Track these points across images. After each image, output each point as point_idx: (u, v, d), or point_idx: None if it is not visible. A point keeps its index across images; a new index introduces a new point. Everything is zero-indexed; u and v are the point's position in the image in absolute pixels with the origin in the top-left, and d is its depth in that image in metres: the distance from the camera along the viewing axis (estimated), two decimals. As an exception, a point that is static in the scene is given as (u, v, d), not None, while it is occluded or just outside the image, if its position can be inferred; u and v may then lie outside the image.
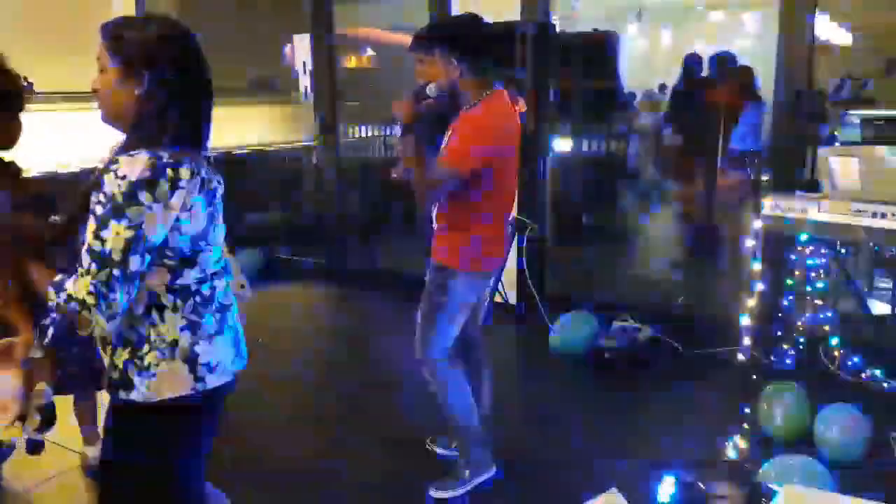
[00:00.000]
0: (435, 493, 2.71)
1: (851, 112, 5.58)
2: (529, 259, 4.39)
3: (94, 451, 2.81)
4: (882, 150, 2.80)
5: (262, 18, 6.16)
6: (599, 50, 6.71)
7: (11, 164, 2.29)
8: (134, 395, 1.51)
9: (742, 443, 2.85)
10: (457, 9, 4.54)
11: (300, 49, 5.40)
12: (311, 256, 5.84)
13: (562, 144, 5.94)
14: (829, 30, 8.31)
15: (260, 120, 6.50)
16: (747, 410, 3.00)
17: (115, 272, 1.39)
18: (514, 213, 4.21)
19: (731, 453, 2.85)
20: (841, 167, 2.92)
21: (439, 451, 3.02)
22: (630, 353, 3.85)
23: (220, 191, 1.58)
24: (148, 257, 1.44)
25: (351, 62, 8.38)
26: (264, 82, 7.05)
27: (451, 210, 2.54)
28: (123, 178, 1.38)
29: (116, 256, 1.39)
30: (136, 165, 1.40)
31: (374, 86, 8.13)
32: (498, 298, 4.18)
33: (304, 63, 5.38)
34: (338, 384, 3.86)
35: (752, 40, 9.77)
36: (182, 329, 1.52)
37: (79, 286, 1.40)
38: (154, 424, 1.55)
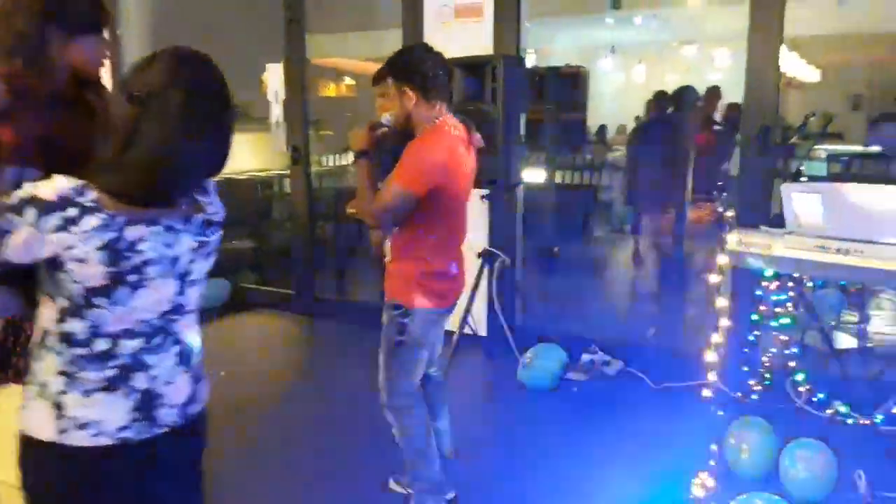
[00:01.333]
0: None
1: (818, 147, 5.69)
2: (499, 291, 4.37)
3: None
4: (845, 187, 2.83)
5: (235, 47, 6.17)
6: (571, 84, 6.82)
7: None
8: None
9: (709, 480, 2.82)
10: (429, 42, 4.56)
11: (273, 78, 5.40)
12: (279, 286, 5.77)
13: (533, 175, 5.98)
14: (796, 67, 8.50)
15: (232, 147, 6.48)
16: (713, 447, 2.98)
17: None
18: (485, 244, 4.21)
19: (697, 492, 2.82)
20: (804, 203, 2.95)
21: (397, 489, 2.95)
22: (598, 386, 3.83)
23: (185, 251, 1.45)
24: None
25: (329, 90, 8.41)
26: (241, 110, 7.05)
27: (403, 243, 2.53)
28: (30, 190, 1.31)
29: None
30: (48, 186, 1.32)
31: (350, 115, 8.17)
32: (467, 330, 4.15)
33: (275, 92, 5.37)
34: (298, 416, 3.78)
35: (723, 74, 10.00)
36: (58, 373, 1.41)
37: None
38: (23, 457, 1.45)
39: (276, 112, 5.41)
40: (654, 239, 6.14)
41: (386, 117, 2.46)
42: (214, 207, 1.55)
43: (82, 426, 1.40)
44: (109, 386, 1.42)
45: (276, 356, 4.92)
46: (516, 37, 4.38)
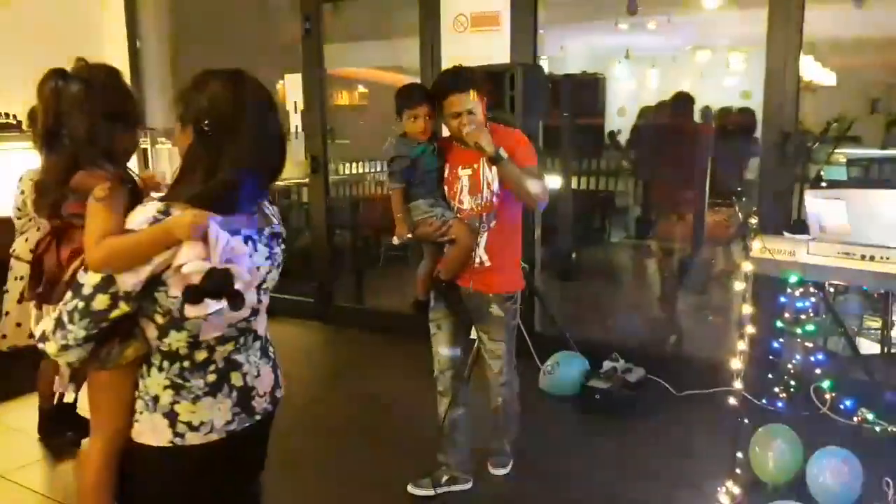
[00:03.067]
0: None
1: (837, 152, 5.65)
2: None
3: None
4: (869, 193, 2.82)
5: (251, 57, 6.22)
6: (588, 90, 6.81)
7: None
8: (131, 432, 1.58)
9: (734, 488, 2.80)
10: (446, 51, 4.60)
11: (291, 88, 5.44)
12: (298, 294, 5.79)
13: (551, 182, 5.96)
14: (812, 70, 8.45)
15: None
16: (739, 455, 2.96)
17: (80, 304, 1.44)
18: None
19: (723, 499, 2.80)
20: (829, 209, 2.93)
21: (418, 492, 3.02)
22: (620, 395, 3.81)
23: (263, 262, 1.61)
24: (128, 305, 1.45)
25: (343, 98, 8.44)
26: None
27: (505, 238, 2.85)
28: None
29: (86, 290, 1.44)
30: (139, 214, 1.46)
31: (363, 123, 8.19)
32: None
33: (294, 102, 5.42)
34: (320, 424, 3.79)
35: (737, 78, 9.95)
36: (165, 387, 1.54)
37: (53, 312, 1.47)
38: (135, 464, 1.60)
39: (295, 122, 5.44)
40: (671, 244, 6.10)
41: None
42: (278, 220, 1.71)
43: (195, 428, 1.55)
44: (212, 390, 1.57)
45: (295, 364, 4.93)
46: (533, 44, 4.40)
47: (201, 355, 1.55)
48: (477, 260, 2.84)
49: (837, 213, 2.89)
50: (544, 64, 4.51)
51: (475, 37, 4.49)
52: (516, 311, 2.97)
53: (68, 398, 3.54)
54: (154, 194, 1.68)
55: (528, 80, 3.83)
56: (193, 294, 1.42)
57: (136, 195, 1.64)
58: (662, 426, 3.64)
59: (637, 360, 4.05)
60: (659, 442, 3.48)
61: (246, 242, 1.55)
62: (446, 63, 4.59)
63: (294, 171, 6.60)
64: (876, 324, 4.38)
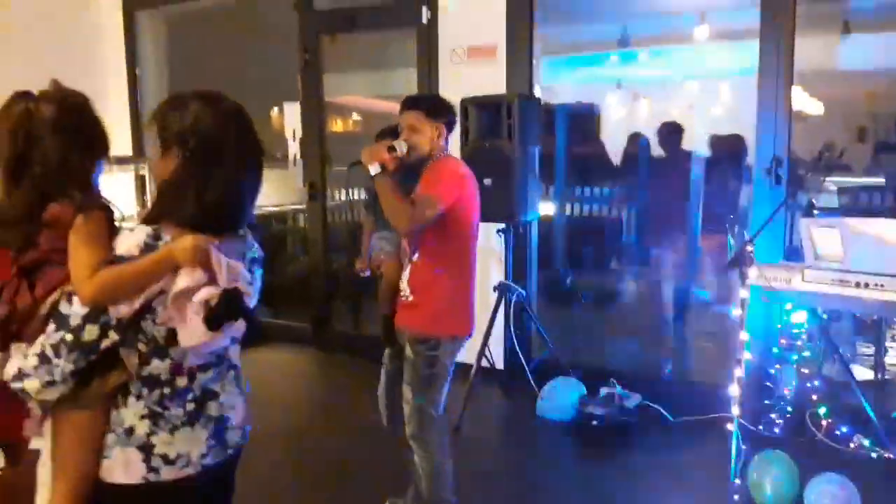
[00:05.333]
0: None
1: (828, 180, 5.75)
2: (516, 324, 4.39)
3: None
4: (863, 221, 2.88)
5: (248, 85, 6.30)
6: (581, 120, 6.93)
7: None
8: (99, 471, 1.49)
9: (734, 514, 2.81)
10: (444, 82, 4.67)
11: (290, 116, 5.51)
12: (295, 320, 5.79)
13: (547, 209, 6.03)
14: (801, 100, 8.60)
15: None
16: (737, 481, 2.98)
17: (68, 336, 1.37)
18: (501, 278, 4.25)
19: (723, 526, 2.81)
20: (823, 237, 2.99)
21: None
22: (617, 421, 3.82)
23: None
24: (116, 334, 1.40)
25: (338, 126, 8.53)
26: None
27: (428, 275, 2.64)
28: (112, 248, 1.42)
29: (74, 322, 1.38)
30: (127, 239, 1.42)
31: (360, 150, 8.25)
32: (485, 363, 4.16)
33: (293, 130, 5.48)
34: (316, 451, 3.77)
35: (725, 108, 10.12)
36: (142, 417, 1.47)
37: (32, 348, 1.39)
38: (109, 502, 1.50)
39: (293, 149, 5.50)
40: (666, 270, 6.15)
41: (401, 144, 2.58)
42: (255, 246, 1.66)
43: (171, 461, 1.48)
44: (191, 419, 1.51)
45: (293, 391, 4.92)
46: (529, 75, 4.47)
47: (182, 381, 1.50)
48: (402, 293, 2.73)
49: (831, 240, 2.95)
50: (540, 94, 4.58)
51: (472, 68, 4.57)
52: (434, 361, 2.61)
53: (36, 443, 3.22)
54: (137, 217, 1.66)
55: (524, 109, 3.90)
56: (215, 319, 1.40)
57: (112, 223, 1.57)
58: (659, 452, 3.65)
59: (634, 387, 4.07)
60: (655, 468, 3.49)
61: None
62: (443, 94, 4.67)
63: (291, 197, 6.65)
64: (869, 350, 4.43)
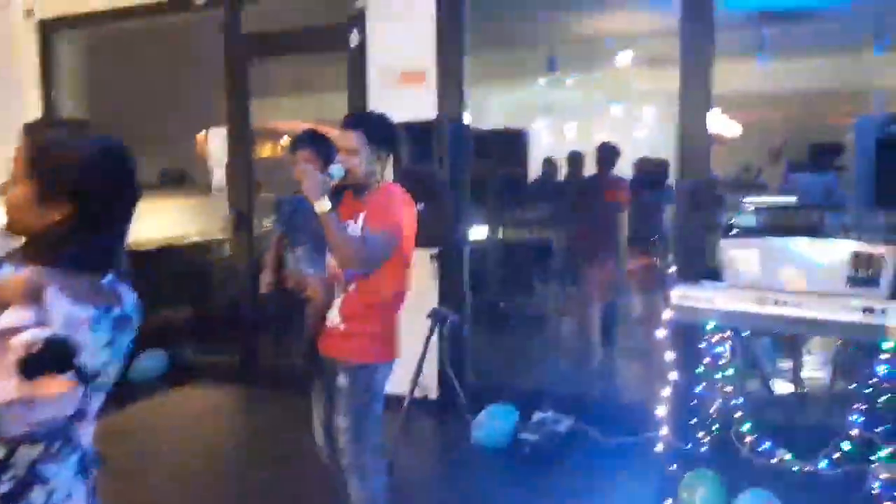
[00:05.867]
0: None
1: (746, 200, 5.98)
2: (450, 350, 4.36)
3: None
4: (780, 241, 2.98)
5: (169, 111, 6.14)
6: (512, 143, 7.04)
7: None
8: None
9: (665, 535, 2.84)
10: (374, 106, 4.65)
11: (215, 142, 5.37)
12: (222, 355, 5.59)
13: (479, 233, 6.06)
14: (719, 123, 8.95)
15: (171, 213, 6.36)
16: (668, 501, 3.01)
17: None
18: (434, 304, 4.22)
19: (655, 547, 2.83)
20: (742, 257, 3.09)
21: None
22: (550, 446, 3.84)
23: (100, 348, 1.30)
24: None
25: (266, 151, 8.39)
26: (178, 175, 6.94)
27: (364, 301, 2.55)
28: None
29: None
30: (10, 283, 1.25)
31: (288, 176, 8.13)
32: (418, 393, 4.11)
33: (218, 157, 5.33)
34: (246, 492, 3.64)
35: (649, 131, 10.48)
36: None
37: None
38: None
39: (218, 176, 5.35)
40: (595, 291, 6.26)
41: (339, 170, 2.47)
42: (131, 303, 1.43)
43: None
44: (4, 501, 1.25)
45: (221, 429, 4.73)
46: (459, 100, 4.49)
47: None
48: (330, 322, 2.62)
49: (750, 260, 3.04)
50: (470, 119, 4.61)
51: (403, 92, 4.56)
52: (368, 387, 2.56)
53: None
54: None
55: (454, 134, 3.92)
56: (32, 365, 1.17)
57: None
58: (592, 475, 3.67)
59: (566, 409, 4.10)
60: (589, 492, 3.50)
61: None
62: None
63: (216, 225, 6.47)
64: (788, 365, 4.59)
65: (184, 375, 5.31)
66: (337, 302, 2.61)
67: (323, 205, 2.31)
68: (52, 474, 1.29)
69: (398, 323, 2.68)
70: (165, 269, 5.95)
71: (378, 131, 2.59)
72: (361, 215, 2.54)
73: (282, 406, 4.89)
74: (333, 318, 2.61)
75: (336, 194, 2.54)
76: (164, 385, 4.86)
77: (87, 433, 1.37)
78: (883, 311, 2.69)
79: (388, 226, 2.46)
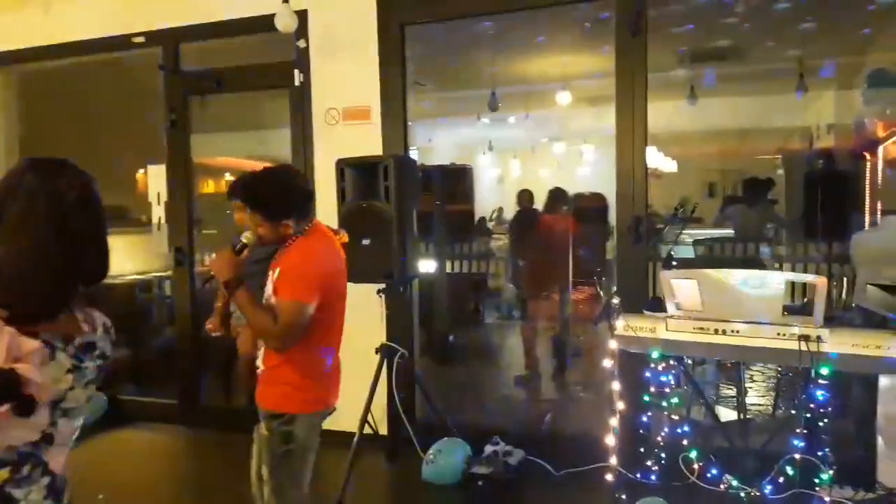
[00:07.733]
0: None
1: (685, 232, 6.18)
2: (399, 386, 4.31)
3: None
4: (718, 273, 3.08)
5: (109, 147, 6.01)
6: (457, 179, 7.13)
7: None
8: None
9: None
10: (319, 143, 4.65)
11: (154, 179, 5.26)
12: (162, 396, 5.40)
13: (425, 266, 6.06)
14: (655, 159, 9.29)
15: (111, 250, 6.18)
16: (620, 531, 3.02)
17: None
18: (382, 339, 4.18)
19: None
20: (682, 287, 3.17)
21: None
22: (502, 479, 3.81)
23: (62, 374, 1.33)
24: None
25: (209, 187, 8.26)
26: (117, 212, 6.76)
27: (289, 355, 2.46)
28: None
29: None
30: None
31: (230, 212, 8.01)
32: (367, 430, 4.04)
33: (157, 193, 5.22)
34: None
35: (589, 167, 10.80)
36: None
37: None
38: None
39: (158, 213, 5.23)
40: (541, 323, 6.34)
41: (247, 235, 2.46)
42: (101, 330, 1.47)
43: None
44: None
45: (160, 472, 4.55)
46: (404, 137, 4.53)
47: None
48: (258, 367, 2.59)
49: (690, 290, 3.12)
50: (415, 155, 4.65)
51: (347, 129, 4.58)
52: (289, 437, 2.46)
53: None
54: None
55: (400, 170, 3.93)
56: None
57: None
58: (545, 508, 3.66)
59: (517, 442, 4.09)
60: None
61: (45, 347, 1.32)
62: (319, 155, 4.64)
63: (155, 263, 6.31)
64: (731, 391, 4.71)
65: (122, 417, 5.13)
66: (262, 348, 2.57)
67: (230, 285, 2.33)
68: (20, 496, 1.31)
69: (330, 370, 2.58)
70: (103, 307, 5.73)
71: (272, 209, 2.45)
72: (277, 272, 2.46)
73: (223, 448, 4.75)
74: (259, 363, 2.59)
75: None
76: (103, 427, 4.67)
77: (57, 458, 1.37)
78: (818, 338, 2.79)
79: (297, 294, 2.36)
